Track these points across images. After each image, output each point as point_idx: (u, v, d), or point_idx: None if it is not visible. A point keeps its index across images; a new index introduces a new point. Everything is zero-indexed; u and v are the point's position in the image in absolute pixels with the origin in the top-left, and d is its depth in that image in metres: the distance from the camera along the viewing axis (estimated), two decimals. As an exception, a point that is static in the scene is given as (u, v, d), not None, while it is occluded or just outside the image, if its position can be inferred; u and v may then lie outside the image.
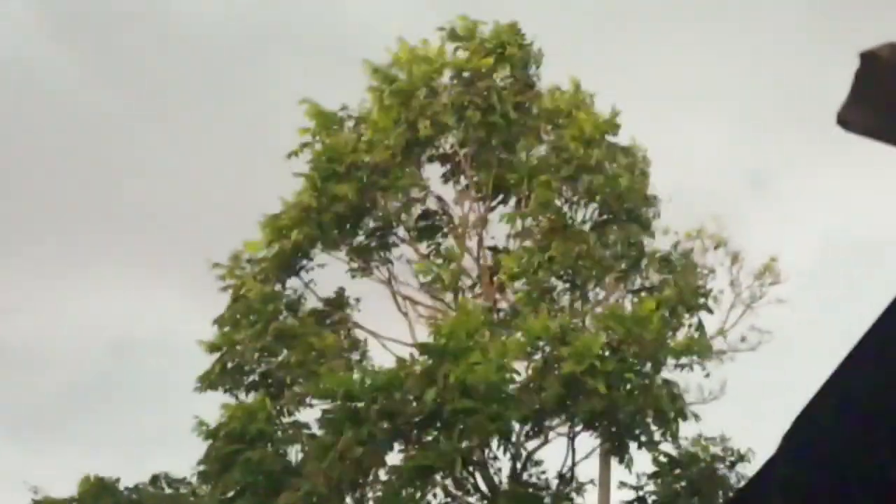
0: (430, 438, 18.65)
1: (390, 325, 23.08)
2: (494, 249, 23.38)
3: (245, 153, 35.36)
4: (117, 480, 21.80)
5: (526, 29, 23.55)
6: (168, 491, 21.89)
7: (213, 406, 20.59)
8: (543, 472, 21.56)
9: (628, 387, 19.29)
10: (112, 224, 37.57)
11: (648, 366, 19.78)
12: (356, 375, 18.95)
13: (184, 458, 23.08)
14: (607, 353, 18.92)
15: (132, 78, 39.81)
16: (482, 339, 18.99)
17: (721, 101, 38.32)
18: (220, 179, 37.36)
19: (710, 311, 22.29)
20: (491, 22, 23.44)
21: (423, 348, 19.25)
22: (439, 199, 23.78)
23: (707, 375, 21.65)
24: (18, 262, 37.32)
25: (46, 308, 38.91)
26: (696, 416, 19.83)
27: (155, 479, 21.87)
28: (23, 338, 39.66)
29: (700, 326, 22.07)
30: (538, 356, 19.41)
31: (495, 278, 22.89)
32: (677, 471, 21.13)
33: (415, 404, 18.22)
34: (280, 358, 21.54)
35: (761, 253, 23.89)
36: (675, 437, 19.87)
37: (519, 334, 19.70)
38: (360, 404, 18.19)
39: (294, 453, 20.02)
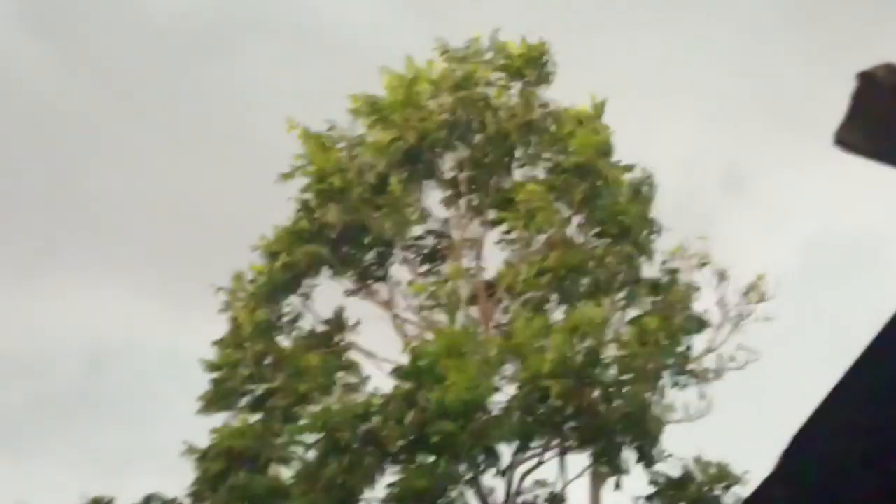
0: (417, 463, 18.69)
1: (389, 346, 23.08)
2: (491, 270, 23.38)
3: (226, 156, 35.14)
4: (111, 501, 21.73)
5: (494, 24, 23.63)
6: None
7: (193, 420, 20.61)
8: (537, 494, 21.58)
9: (614, 404, 19.50)
10: (87, 229, 37.23)
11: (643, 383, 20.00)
12: (335, 406, 18.94)
13: (164, 473, 22.98)
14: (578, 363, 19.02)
15: (109, 76, 39.46)
16: (460, 360, 18.98)
17: (695, 98, 38.23)
18: (201, 183, 37.09)
19: (699, 331, 22.34)
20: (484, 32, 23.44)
21: (398, 372, 19.32)
22: (438, 219, 23.80)
23: (702, 397, 21.74)
24: None
25: (19, 317, 38.48)
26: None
27: (148, 500, 21.78)
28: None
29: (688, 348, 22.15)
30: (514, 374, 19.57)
31: (494, 297, 22.93)
32: (671, 492, 21.10)
33: (396, 428, 18.20)
34: (273, 383, 21.47)
35: (737, 255, 23.85)
36: (649, 460, 20.02)
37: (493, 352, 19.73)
38: (342, 434, 18.20)
39: (286, 474, 20.01)
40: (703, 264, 22.87)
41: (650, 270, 22.71)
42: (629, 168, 22.81)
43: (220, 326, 22.48)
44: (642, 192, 22.62)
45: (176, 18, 40.34)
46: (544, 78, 23.30)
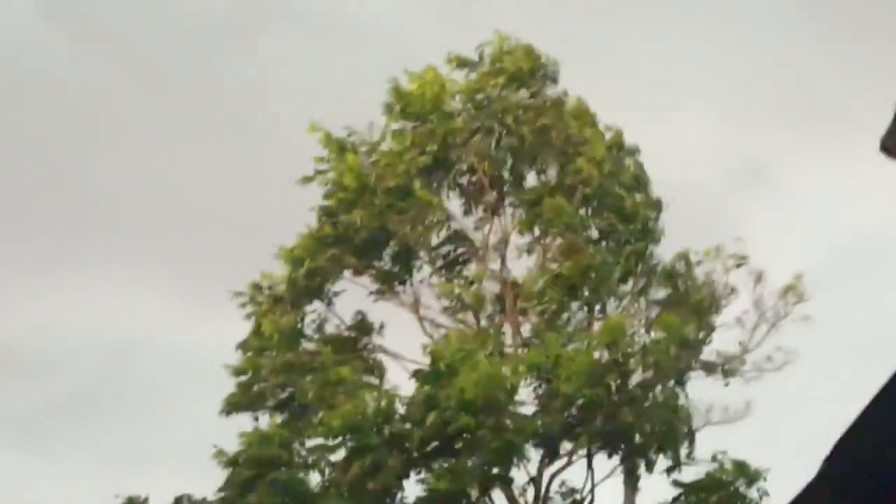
0: (444, 464, 18.80)
1: (413, 349, 23.11)
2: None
3: (247, 153, 35.12)
4: (145, 501, 21.90)
5: (517, 26, 23.78)
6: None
7: (212, 419, 20.90)
8: (567, 497, 21.62)
9: (641, 406, 19.59)
10: (107, 226, 37.29)
11: (664, 384, 20.05)
12: (358, 409, 19.04)
13: (185, 472, 22.97)
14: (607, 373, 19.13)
15: (132, 72, 39.51)
16: (473, 357, 19.11)
17: (717, 93, 38.03)
18: (221, 181, 37.11)
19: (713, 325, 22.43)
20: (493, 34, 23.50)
21: (418, 375, 19.42)
22: (461, 222, 23.86)
23: (744, 400, 21.82)
24: (15, 262, 37.09)
25: (44, 311, 38.52)
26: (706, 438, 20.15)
27: (178, 501, 21.91)
28: (20, 341, 39.37)
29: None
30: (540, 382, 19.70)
31: (518, 299, 23.00)
32: (701, 494, 21.05)
33: (418, 431, 18.32)
34: (298, 387, 21.55)
35: (762, 252, 23.84)
36: (677, 463, 20.08)
37: (521, 365, 19.88)
38: (366, 437, 18.31)
39: (315, 478, 20.13)
40: (739, 265, 22.91)
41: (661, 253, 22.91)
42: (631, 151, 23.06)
43: (239, 325, 22.65)
44: (641, 176, 22.90)
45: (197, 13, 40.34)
46: (550, 79, 23.45)
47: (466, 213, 23.62)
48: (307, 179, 22.81)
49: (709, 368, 22.50)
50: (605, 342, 19.55)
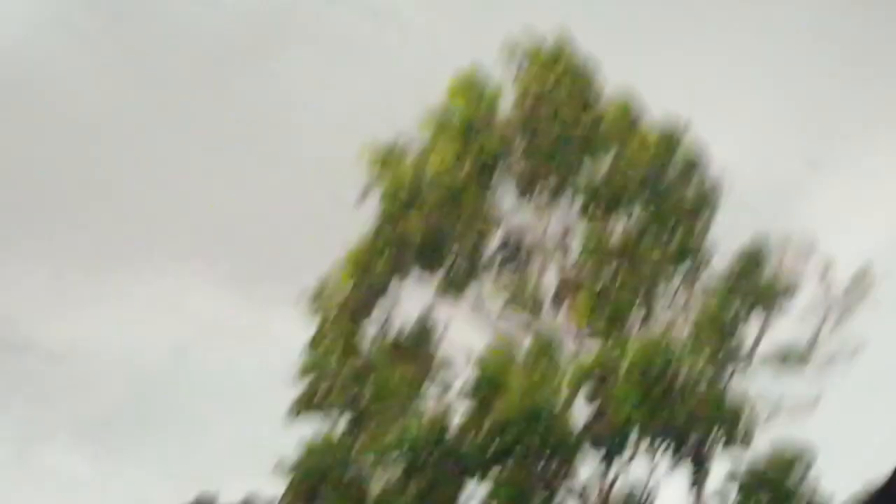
0: (502, 473, 18.98)
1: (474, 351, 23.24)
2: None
3: (299, 158, 35.40)
4: (214, 499, 22.44)
5: (569, 18, 23.72)
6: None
7: (273, 419, 21.22)
8: (631, 496, 21.60)
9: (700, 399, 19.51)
10: (173, 225, 37.92)
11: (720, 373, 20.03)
12: (414, 426, 19.26)
13: (249, 470, 23.49)
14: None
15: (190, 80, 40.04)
16: (519, 368, 19.16)
17: (777, 82, 37.20)
18: (277, 185, 37.48)
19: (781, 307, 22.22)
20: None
21: (467, 387, 19.56)
22: (515, 220, 23.94)
23: (814, 390, 21.61)
24: (83, 263, 37.91)
25: (109, 312, 39.29)
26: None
27: (247, 500, 22.41)
28: (85, 343, 40.20)
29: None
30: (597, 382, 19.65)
31: (576, 296, 23.03)
32: (764, 487, 20.85)
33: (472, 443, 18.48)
34: (360, 393, 21.88)
35: (826, 239, 23.55)
36: (735, 454, 19.94)
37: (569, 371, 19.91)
38: (422, 454, 18.56)
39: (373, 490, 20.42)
40: (808, 255, 22.70)
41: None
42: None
43: (299, 329, 22.99)
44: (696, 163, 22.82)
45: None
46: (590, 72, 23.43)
47: (520, 210, 23.76)
48: (363, 195, 23.14)
49: (774, 359, 22.31)
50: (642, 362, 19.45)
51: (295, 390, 22.23)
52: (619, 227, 23.04)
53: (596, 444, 19.84)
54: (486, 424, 18.44)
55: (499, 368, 19.00)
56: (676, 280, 22.60)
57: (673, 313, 22.40)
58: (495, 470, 19.10)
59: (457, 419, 19.96)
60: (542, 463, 19.17)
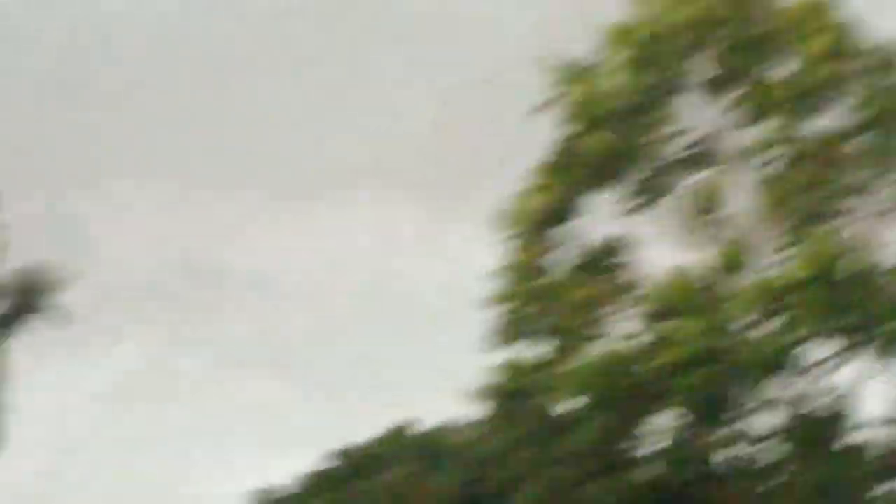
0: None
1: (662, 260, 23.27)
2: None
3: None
4: (413, 425, 23.36)
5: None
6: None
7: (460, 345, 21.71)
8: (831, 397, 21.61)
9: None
10: (354, 162, 38.24)
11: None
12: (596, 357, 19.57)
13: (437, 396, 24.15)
14: None
15: None
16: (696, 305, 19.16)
17: None
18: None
19: None
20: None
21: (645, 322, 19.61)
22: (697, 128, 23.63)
23: None
24: (273, 198, 38.40)
25: (298, 244, 40.08)
26: None
27: (447, 424, 23.30)
28: (276, 273, 40.92)
29: None
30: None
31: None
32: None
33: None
34: (550, 314, 22.29)
35: None
36: None
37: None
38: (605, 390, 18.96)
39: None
40: None
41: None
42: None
43: (480, 254, 23.29)
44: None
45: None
46: None
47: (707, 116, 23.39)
48: (544, 107, 23.13)
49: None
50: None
51: (487, 314, 22.78)
52: (812, 127, 22.52)
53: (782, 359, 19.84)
54: (670, 355, 18.70)
55: (679, 297, 19.08)
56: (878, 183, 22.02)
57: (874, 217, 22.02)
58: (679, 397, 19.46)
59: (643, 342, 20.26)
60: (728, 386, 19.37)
